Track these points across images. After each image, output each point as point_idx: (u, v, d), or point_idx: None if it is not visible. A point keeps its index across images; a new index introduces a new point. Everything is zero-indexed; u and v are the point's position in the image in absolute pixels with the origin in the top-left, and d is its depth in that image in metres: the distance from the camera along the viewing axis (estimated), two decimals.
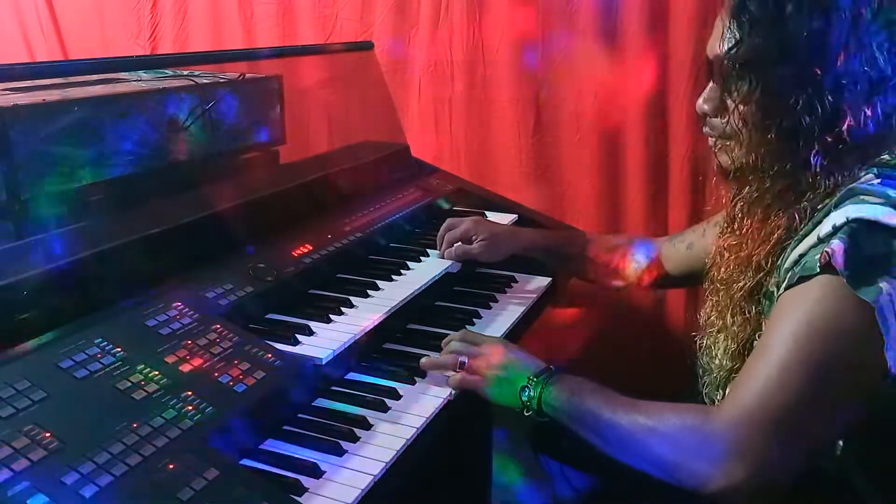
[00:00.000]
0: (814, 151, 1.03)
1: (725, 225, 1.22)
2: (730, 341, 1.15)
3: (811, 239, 1.01)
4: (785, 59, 1.02)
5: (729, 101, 1.10)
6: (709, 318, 1.22)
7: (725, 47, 1.07)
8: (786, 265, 1.04)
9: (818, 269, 0.96)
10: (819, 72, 1.00)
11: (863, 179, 1.02)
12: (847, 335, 0.95)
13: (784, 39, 1.01)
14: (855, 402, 0.98)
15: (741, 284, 1.13)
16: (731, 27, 1.06)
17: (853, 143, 1.02)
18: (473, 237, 1.68)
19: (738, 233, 1.15)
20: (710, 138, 1.19)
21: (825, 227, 0.99)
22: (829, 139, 1.02)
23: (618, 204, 2.48)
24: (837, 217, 0.98)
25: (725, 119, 1.11)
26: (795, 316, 0.97)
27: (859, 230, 0.95)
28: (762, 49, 1.03)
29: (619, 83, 2.47)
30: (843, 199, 1.01)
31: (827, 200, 1.04)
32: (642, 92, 2.43)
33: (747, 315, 1.13)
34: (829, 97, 1.01)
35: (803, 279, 0.98)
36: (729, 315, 1.15)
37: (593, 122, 2.48)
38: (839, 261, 0.93)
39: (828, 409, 0.96)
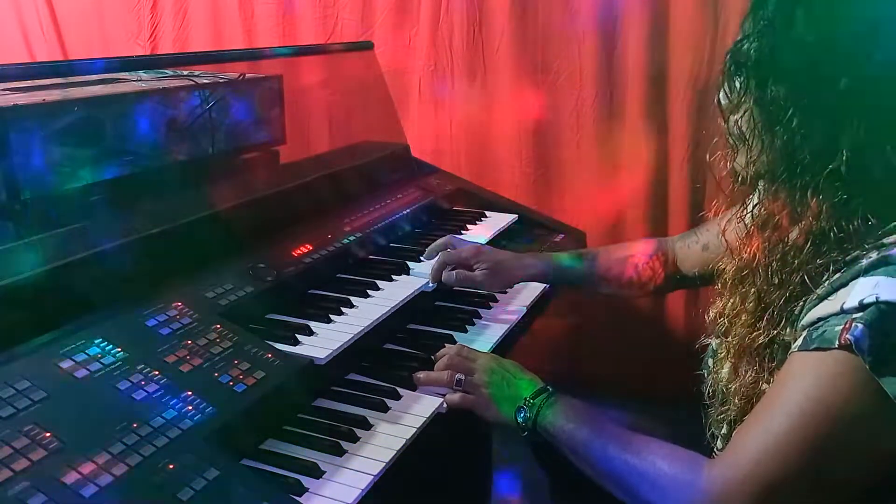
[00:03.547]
0: (810, 185, 0.95)
1: (740, 231, 1.12)
2: (738, 384, 1.09)
3: (834, 304, 0.92)
4: (783, 67, 0.95)
5: (725, 101, 1.04)
6: (718, 339, 1.17)
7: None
8: (803, 321, 0.96)
9: (836, 345, 0.89)
10: (818, 90, 0.92)
11: None
12: (858, 419, 0.89)
13: (787, 46, 0.94)
14: (851, 485, 0.93)
15: (754, 336, 1.06)
16: (746, 21, 1.00)
17: (856, 183, 0.93)
18: (475, 265, 1.59)
19: (750, 247, 1.07)
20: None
21: (851, 299, 0.89)
22: (827, 173, 0.93)
23: (618, 204, 2.48)
24: (866, 290, 0.88)
25: (731, 119, 1.05)
26: (805, 386, 0.91)
27: (889, 314, 0.86)
28: (764, 51, 0.97)
29: (619, 84, 2.47)
30: (876, 265, 0.90)
31: (857, 252, 0.94)
32: (642, 93, 2.43)
33: (759, 368, 1.07)
34: (824, 121, 0.93)
35: (820, 349, 0.91)
36: (744, 365, 1.09)
37: (593, 122, 2.48)
38: (863, 345, 0.86)
39: (821, 488, 0.92)
